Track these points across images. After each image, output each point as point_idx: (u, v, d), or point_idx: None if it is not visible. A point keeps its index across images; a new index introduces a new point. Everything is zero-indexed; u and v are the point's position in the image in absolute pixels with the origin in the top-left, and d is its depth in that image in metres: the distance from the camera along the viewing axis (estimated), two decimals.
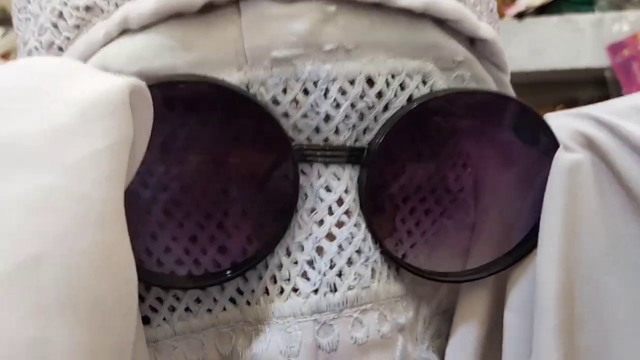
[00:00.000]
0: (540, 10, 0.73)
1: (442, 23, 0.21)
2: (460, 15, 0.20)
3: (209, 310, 0.21)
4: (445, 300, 0.24)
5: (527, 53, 0.72)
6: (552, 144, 0.21)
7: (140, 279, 0.16)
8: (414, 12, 0.20)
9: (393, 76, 0.20)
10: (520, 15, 0.72)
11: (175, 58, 0.19)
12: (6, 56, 1.14)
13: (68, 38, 0.21)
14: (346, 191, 0.20)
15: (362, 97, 0.20)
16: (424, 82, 0.21)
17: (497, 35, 0.23)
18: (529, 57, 0.71)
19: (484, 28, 0.22)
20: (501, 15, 0.75)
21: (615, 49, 0.65)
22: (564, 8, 0.73)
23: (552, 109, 0.33)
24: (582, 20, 0.69)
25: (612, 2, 0.67)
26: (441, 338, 0.24)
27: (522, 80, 0.79)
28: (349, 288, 0.20)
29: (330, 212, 0.20)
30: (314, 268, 0.20)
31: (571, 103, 0.78)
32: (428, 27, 0.20)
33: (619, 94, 0.66)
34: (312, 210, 0.20)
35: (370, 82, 0.20)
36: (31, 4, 0.23)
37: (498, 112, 0.22)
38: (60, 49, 0.21)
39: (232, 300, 0.21)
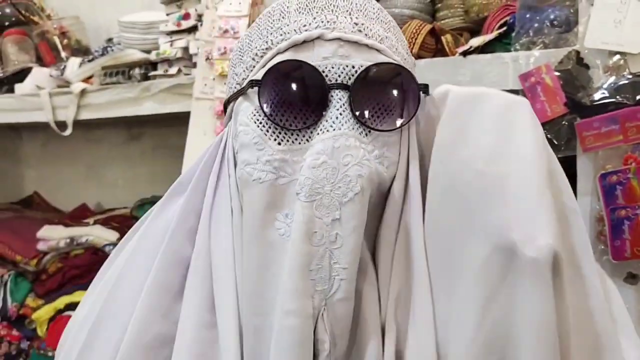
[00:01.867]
0: (480, 49, 1.04)
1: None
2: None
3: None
4: (386, 152, 0.47)
5: (470, 79, 1.03)
6: (418, 87, 0.48)
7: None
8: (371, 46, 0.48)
9: (362, 65, 0.47)
10: (465, 53, 1.03)
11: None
12: (86, 81, 1.49)
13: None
14: (345, 101, 0.46)
15: (349, 69, 0.46)
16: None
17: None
18: (471, 82, 1.02)
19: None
20: (452, 53, 1.07)
21: (525, 77, 0.96)
22: (495, 48, 1.04)
23: None
24: (506, 56, 0.99)
25: (523, 44, 0.97)
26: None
27: None
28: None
29: (337, 108, 0.46)
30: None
31: None
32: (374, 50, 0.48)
33: None
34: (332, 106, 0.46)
35: (352, 67, 0.46)
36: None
37: (397, 71, 0.49)
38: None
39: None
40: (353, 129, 0.45)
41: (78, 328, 0.51)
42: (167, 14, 1.38)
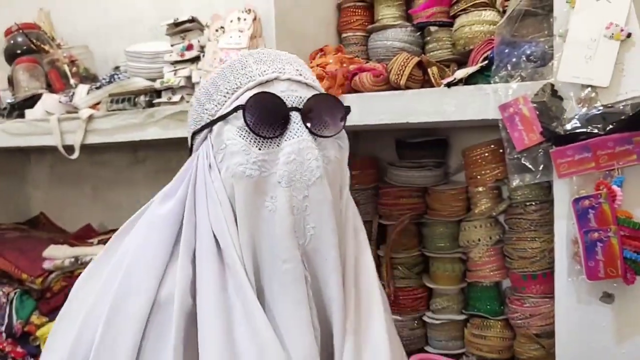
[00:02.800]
0: (464, 81, 1.11)
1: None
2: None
3: None
4: (326, 153, 0.69)
5: (454, 108, 1.09)
6: (344, 108, 0.72)
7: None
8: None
9: (306, 96, 0.69)
10: (449, 84, 1.09)
11: None
12: (93, 107, 1.56)
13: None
14: (299, 118, 0.67)
15: (299, 98, 0.68)
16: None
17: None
18: (456, 111, 1.09)
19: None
20: (438, 84, 1.14)
21: (504, 107, 1.03)
22: (478, 80, 1.10)
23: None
24: (487, 88, 1.05)
25: (502, 77, 1.04)
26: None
27: (452, 125, 1.22)
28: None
29: (296, 123, 0.67)
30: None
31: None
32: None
33: (507, 135, 1.03)
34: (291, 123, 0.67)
35: (300, 97, 0.69)
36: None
37: (330, 100, 0.71)
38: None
39: None
40: (308, 136, 0.66)
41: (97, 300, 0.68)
42: (172, 45, 1.45)
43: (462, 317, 1.38)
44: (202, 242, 0.66)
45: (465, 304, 1.40)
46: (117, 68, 1.69)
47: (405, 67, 1.13)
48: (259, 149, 0.65)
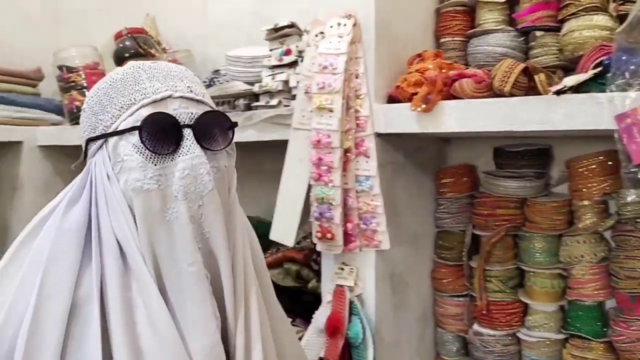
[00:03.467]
0: (575, 89, 1.05)
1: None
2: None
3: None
4: (216, 164, 0.75)
5: (563, 117, 1.04)
6: (232, 123, 0.77)
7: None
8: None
9: (197, 112, 0.73)
10: (559, 92, 1.04)
11: None
12: None
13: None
14: (191, 134, 0.72)
15: (190, 115, 0.73)
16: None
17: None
18: (564, 121, 1.04)
19: None
20: (545, 91, 1.08)
21: (621, 117, 0.96)
22: (590, 88, 1.04)
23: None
24: (602, 97, 0.99)
25: (618, 86, 0.98)
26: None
27: (555, 135, 1.17)
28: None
29: (188, 139, 0.71)
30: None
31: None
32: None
33: (623, 147, 0.96)
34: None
35: (192, 113, 0.73)
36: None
37: (219, 116, 0.76)
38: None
39: None
40: (200, 151, 0.71)
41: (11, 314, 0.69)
42: (270, 50, 1.49)
43: (561, 336, 1.31)
44: (106, 246, 0.70)
45: (563, 322, 1.33)
46: (216, 71, 1.75)
47: (511, 73, 1.09)
48: (155, 165, 0.70)
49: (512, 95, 1.10)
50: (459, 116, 1.14)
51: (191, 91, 0.75)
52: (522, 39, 1.35)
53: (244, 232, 0.81)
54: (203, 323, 0.71)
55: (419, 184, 1.46)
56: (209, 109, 0.76)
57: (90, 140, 0.76)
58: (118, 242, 0.70)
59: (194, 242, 0.70)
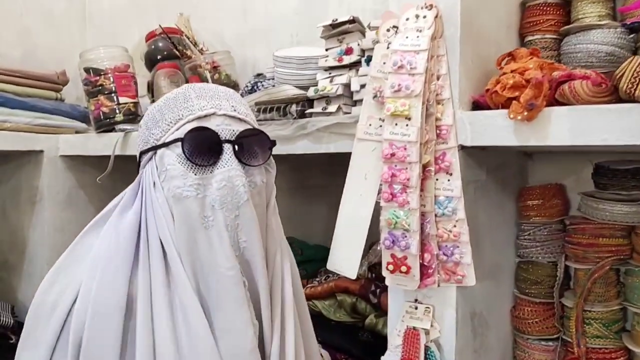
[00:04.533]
0: None
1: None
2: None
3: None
4: (253, 179, 0.83)
5: None
6: (270, 142, 0.86)
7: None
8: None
9: (239, 130, 0.82)
10: None
11: None
12: None
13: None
14: (231, 149, 0.80)
15: (232, 132, 0.81)
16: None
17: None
18: None
19: None
20: None
21: None
22: None
23: None
24: None
25: None
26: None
27: None
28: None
29: (227, 154, 0.79)
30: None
31: None
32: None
33: None
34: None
35: (233, 130, 0.81)
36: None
37: (259, 134, 0.85)
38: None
39: None
40: (238, 165, 0.78)
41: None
42: (327, 49, 1.29)
43: None
44: (152, 248, 0.77)
45: None
46: (259, 75, 1.56)
47: None
48: (195, 174, 0.77)
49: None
50: (572, 126, 0.93)
51: (235, 110, 0.82)
52: (632, 36, 1.13)
53: (283, 247, 0.88)
54: (241, 327, 0.75)
55: (500, 206, 1.25)
56: (250, 127, 0.83)
57: (142, 153, 0.84)
58: (162, 244, 0.77)
59: (231, 248, 0.76)
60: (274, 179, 0.89)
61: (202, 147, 0.78)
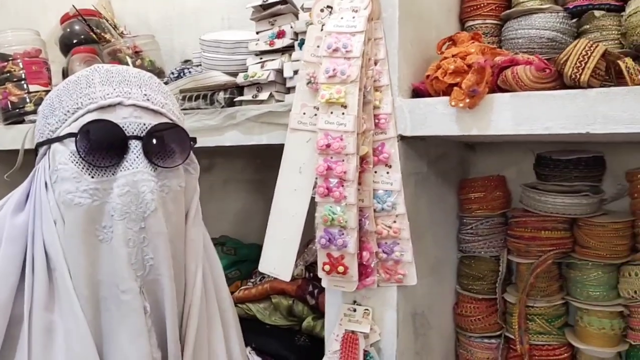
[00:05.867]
0: None
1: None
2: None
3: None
4: (167, 183, 0.69)
5: None
6: (189, 139, 0.73)
7: None
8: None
9: (150, 124, 0.68)
10: None
11: None
12: None
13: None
14: (140, 148, 0.66)
15: (142, 126, 0.68)
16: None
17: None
18: None
19: None
20: (634, 82, 0.83)
21: None
22: None
23: None
24: None
25: None
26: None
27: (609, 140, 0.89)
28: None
29: (134, 153, 0.66)
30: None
31: None
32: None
33: None
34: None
35: (144, 124, 0.68)
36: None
37: (175, 129, 0.71)
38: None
39: None
40: (146, 167, 0.66)
41: None
42: (257, 32, 1.19)
43: None
44: (37, 262, 0.65)
45: None
46: (187, 61, 1.45)
47: (589, 57, 0.83)
48: (92, 177, 0.64)
49: (590, 86, 0.84)
50: (515, 114, 0.87)
51: (148, 99, 0.69)
52: (574, 21, 1.10)
53: (206, 263, 0.76)
54: None
55: (441, 200, 1.19)
56: (166, 120, 0.70)
57: (39, 146, 0.71)
58: (47, 258, 0.65)
59: (129, 268, 0.64)
60: (197, 180, 0.77)
61: (102, 144, 0.65)
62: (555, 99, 0.85)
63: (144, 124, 0.67)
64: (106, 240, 0.64)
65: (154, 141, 0.67)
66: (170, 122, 0.71)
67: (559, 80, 0.88)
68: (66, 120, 0.67)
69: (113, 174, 0.65)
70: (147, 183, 0.65)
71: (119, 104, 0.66)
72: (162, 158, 0.69)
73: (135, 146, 0.66)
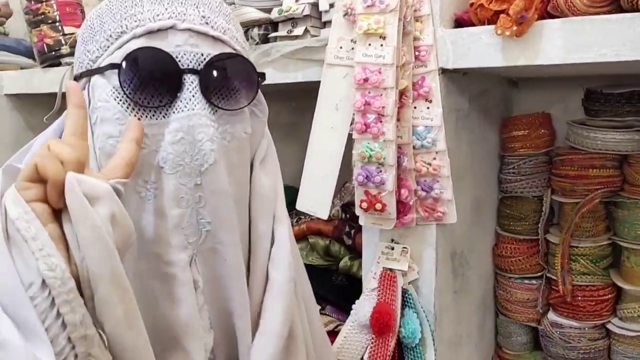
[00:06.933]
0: None
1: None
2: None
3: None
4: (229, 129, 0.58)
5: None
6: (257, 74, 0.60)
7: None
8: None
9: (209, 54, 0.57)
10: None
11: None
12: None
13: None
14: (196, 84, 0.55)
15: (199, 57, 0.56)
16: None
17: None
18: None
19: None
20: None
21: None
22: None
23: None
24: None
25: None
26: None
27: None
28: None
29: (190, 91, 0.55)
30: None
31: None
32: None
33: None
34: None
35: (201, 54, 0.56)
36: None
37: (239, 60, 0.59)
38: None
39: None
40: (204, 109, 0.54)
41: None
42: None
43: None
44: None
45: None
46: None
47: None
48: (139, 119, 0.53)
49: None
50: (566, 41, 0.82)
51: (207, 23, 0.57)
52: None
53: (277, 220, 0.63)
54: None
55: (482, 138, 1.15)
56: (229, 50, 0.58)
57: (77, 78, 0.59)
58: None
59: (179, 234, 0.54)
60: (265, 125, 0.64)
61: (150, 78, 0.54)
62: (610, 24, 0.79)
63: (202, 54, 0.55)
64: (149, 198, 0.54)
65: (214, 76, 0.56)
66: (234, 52, 0.59)
67: (616, 4, 0.81)
68: (108, 47, 0.56)
69: (165, 117, 0.54)
70: (205, 129, 0.53)
71: (172, 27, 0.55)
72: (223, 98, 0.58)
73: (191, 82, 0.54)
